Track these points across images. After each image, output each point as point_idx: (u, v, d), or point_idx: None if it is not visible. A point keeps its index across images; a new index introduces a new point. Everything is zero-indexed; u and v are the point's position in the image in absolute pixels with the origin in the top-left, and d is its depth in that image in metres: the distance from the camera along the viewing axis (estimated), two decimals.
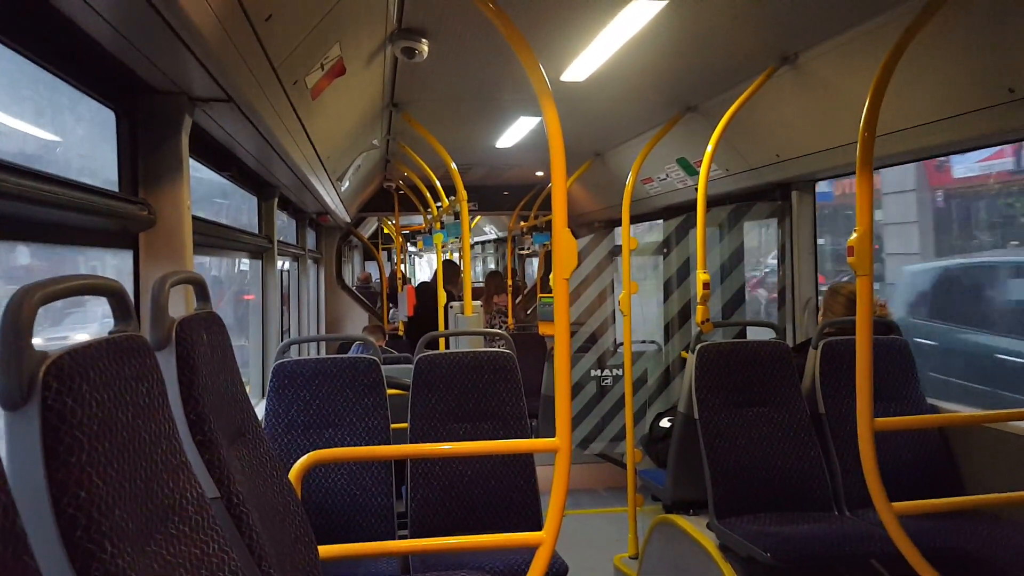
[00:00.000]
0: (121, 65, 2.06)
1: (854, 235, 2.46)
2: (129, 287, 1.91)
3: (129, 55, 1.99)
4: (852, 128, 2.48)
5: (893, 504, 2.43)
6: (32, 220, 1.80)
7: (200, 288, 1.85)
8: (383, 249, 12.47)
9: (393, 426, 3.27)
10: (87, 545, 1.03)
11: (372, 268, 14.84)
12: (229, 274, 5.68)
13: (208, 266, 4.78)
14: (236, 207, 4.79)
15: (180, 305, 2.32)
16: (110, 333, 1.32)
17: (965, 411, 3.50)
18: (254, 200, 4.73)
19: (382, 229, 12.40)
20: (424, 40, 3.13)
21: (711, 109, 4.29)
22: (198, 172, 3.25)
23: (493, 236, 15.12)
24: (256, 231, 4.67)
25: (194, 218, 2.53)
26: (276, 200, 4.75)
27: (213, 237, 3.35)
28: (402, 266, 11.67)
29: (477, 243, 16.60)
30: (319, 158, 3.97)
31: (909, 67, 2.54)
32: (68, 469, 1.03)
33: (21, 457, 1.01)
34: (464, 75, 3.88)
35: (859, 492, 3.18)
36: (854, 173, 2.50)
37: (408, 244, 13.65)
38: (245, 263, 5.18)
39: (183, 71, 2.12)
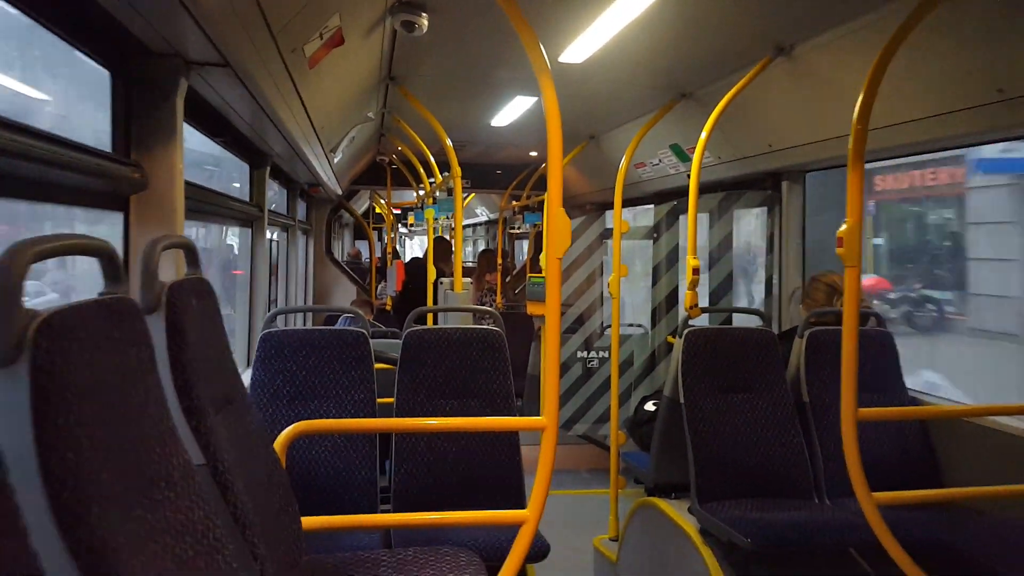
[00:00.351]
0: (119, 25, 2.03)
1: (843, 227, 2.47)
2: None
3: (127, 15, 1.96)
4: (845, 121, 2.48)
5: (874, 494, 2.46)
6: (20, 176, 1.78)
7: (191, 253, 1.84)
8: (374, 228, 12.45)
9: (379, 400, 3.27)
10: (74, 506, 1.03)
11: (362, 247, 14.84)
12: (214, 247, 5.66)
13: (196, 237, 4.75)
14: (225, 176, 4.76)
15: (170, 270, 2.30)
16: (100, 295, 1.31)
17: (947, 404, 3.53)
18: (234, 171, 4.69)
19: (373, 208, 12.36)
20: (424, 14, 3.11)
21: (706, 97, 4.28)
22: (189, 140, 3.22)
23: (484, 218, 15.09)
24: (247, 199, 4.64)
25: (186, 183, 2.51)
26: (268, 169, 4.72)
27: (204, 203, 3.33)
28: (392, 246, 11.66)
29: (468, 225, 16.58)
30: (313, 128, 3.94)
31: (903, 62, 2.54)
32: (57, 429, 1.03)
33: (9, 416, 1.01)
34: (462, 51, 3.86)
35: (840, 481, 3.21)
36: (845, 165, 2.51)
37: (399, 224, 13.63)
38: (232, 238, 5.15)
39: (180, 34, 2.09)
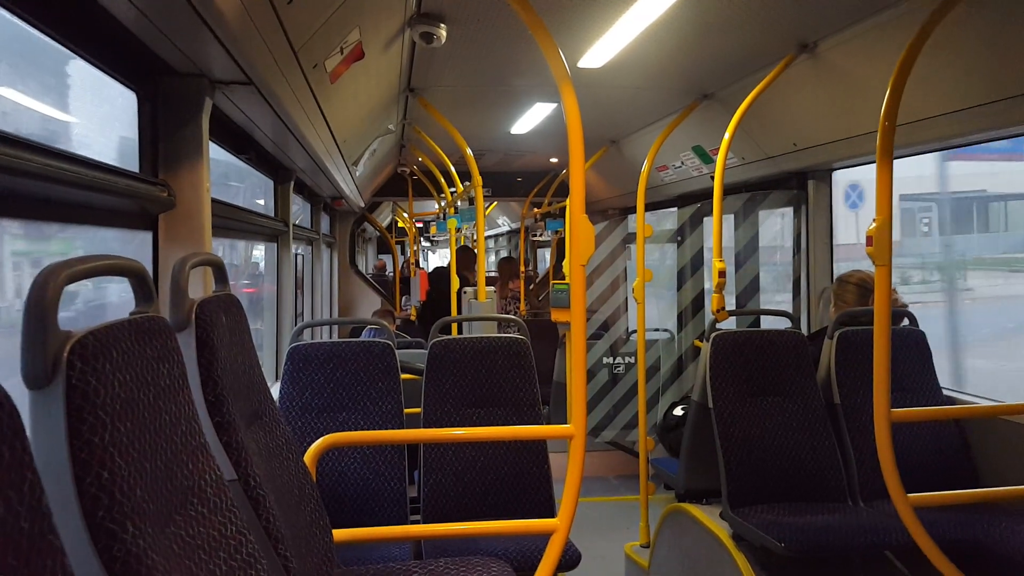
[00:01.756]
0: (144, 47, 2.06)
1: (873, 225, 2.44)
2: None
3: (152, 37, 1.99)
4: (871, 117, 2.45)
5: (909, 496, 2.42)
6: (53, 200, 1.81)
7: (219, 270, 1.86)
8: (397, 242, 12.55)
9: (406, 411, 3.28)
10: (109, 525, 1.03)
11: (387, 260, 14.99)
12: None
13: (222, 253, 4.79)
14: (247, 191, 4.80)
15: (199, 287, 2.32)
16: (131, 314, 1.33)
17: (982, 403, 3.47)
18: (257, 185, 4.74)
19: (396, 223, 12.45)
20: (442, 25, 3.12)
21: (728, 97, 4.26)
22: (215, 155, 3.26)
23: (506, 228, 15.12)
24: (272, 215, 4.68)
25: (212, 200, 2.53)
26: (292, 184, 4.75)
27: (231, 220, 3.36)
28: (416, 258, 11.74)
29: (490, 236, 16.61)
30: (335, 142, 3.97)
31: (930, 56, 2.51)
32: (91, 449, 1.04)
33: (45, 436, 1.02)
34: (481, 60, 3.87)
35: (874, 483, 3.17)
36: (873, 162, 2.48)
37: (421, 237, 13.73)
38: (257, 253, 5.19)
39: (205, 53, 2.12)
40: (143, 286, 1.35)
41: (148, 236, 2.38)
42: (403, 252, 12.98)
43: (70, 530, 1.01)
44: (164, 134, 2.36)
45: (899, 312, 3.65)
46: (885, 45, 3.02)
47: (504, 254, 15.90)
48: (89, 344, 1.07)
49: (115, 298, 2.72)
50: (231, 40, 1.95)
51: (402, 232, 12.51)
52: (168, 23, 1.88)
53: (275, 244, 4.79)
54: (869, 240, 2.45)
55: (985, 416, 3.28)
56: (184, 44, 2.04)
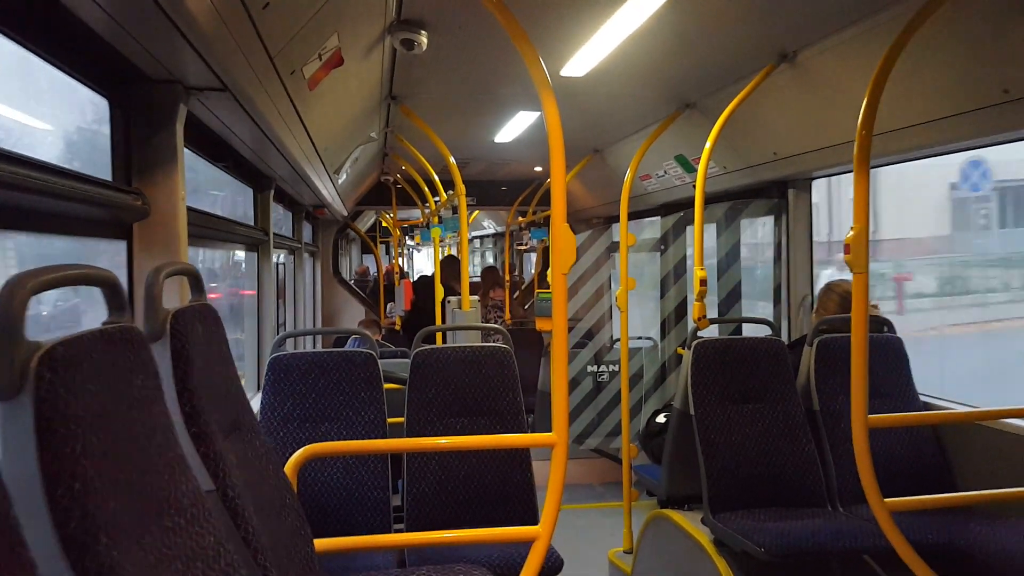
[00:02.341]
0: (115, 53, 2.04)
1: (850, 233, 2.46)
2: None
3: (123, 42, 1.97)
4: (850, 126, 2.48)
5: (886, 500, 2.44)
6: (24, 208, 1.79)
7: (195, 280, 1.84)
8: (381, 242, 12.46)
9: (389, 420, 3.27)
10: (81, 537, 1.02)
11: (369, 261, 14.83)
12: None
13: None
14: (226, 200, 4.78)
15: (174, 297, 2.31)
16: (104, 324, 1.31)
17: (958, 408, 3.50)
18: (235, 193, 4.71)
19: (380, 223, 12.37)
20: (423, 32, 3.12)
21: (710, 106, 4.28)
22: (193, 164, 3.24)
23: (492, 231, 15.12)
24: (252, 223, 4.66)
25: (189, 209, 2.51)
26: (272, 192, 4.73)
27: (208, 228, 3.34)
28: (400, 260, 11.65)
29: (475, 237, 16.60)
30: (316, 150, 3.96)
31: (906, 66, 2.54)
32: (62, 460, 1.02)
33: (14, 448, 1.01)
34: (463, 68, 3.87)
35: (852, 488, 3.19)
36: (851, 171, 2.50)
37: (406, 238, 13.66)
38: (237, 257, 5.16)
39: (178, 59, 2.10)
40: (116, 296, 1.33)
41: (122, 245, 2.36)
42: (387, 253, 12.86)
43: (41, 543, 1.00)
44: (137, 141, 2.34)
45: (877, 319, 3.68)
46: (863, 55, 3.05)
47: (489, 256, 15.91)
48: (59, 355, 1.06)
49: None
50: (205, 46, 1.94)
51: (386, 232, 12.42)
52: (139, 28, 1.86)
53: (255, 253, 4.77)
54: (847, 248, 2.47)
55: (961, 422, 3.31)
56: (156, 50, 2.03)
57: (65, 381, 1.06)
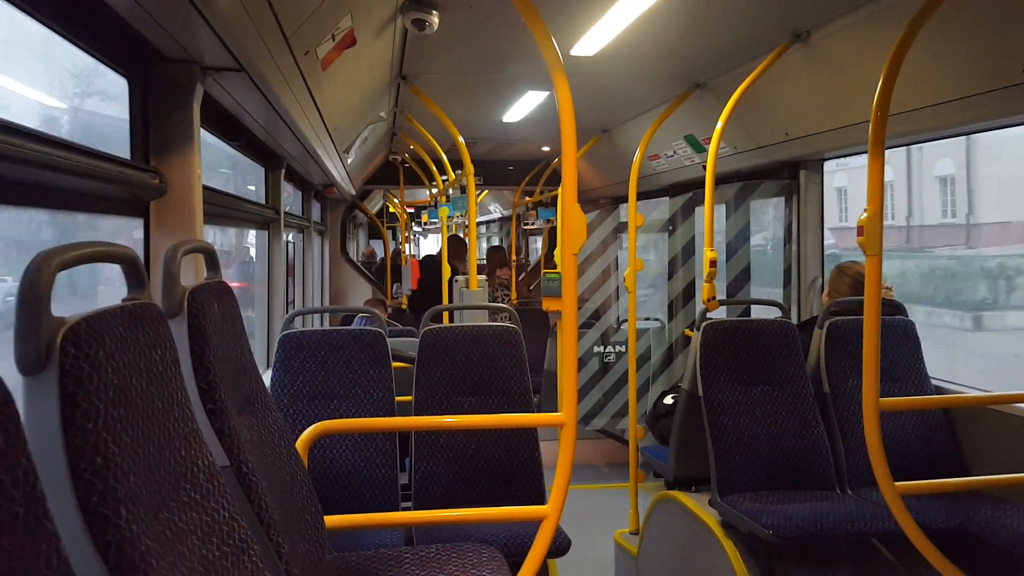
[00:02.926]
0: (135, 33, 2.05)
1: (864, 215, 2.46)
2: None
3: (143, 23, 1.98)
4: (863, 107, 2.46)
5: (896, 483, 2.45)
6: (44, 185, 1.80)
7: (211, 257, 1.86)
8: (388, 227, 12.50)
9: (397, 399, 3.29)
10: (103, 510, 1.04)
11: (376, 246, 14.90)
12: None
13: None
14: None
15: (190, 274, 2.32)
16: (123, 300, 1.33)
17: (969, 392, 3.50)
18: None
19: (387, 208, 12.40)
20: (434, 12, 3.11)
21: (721, 86, 4.26)
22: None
23: (498, 215, 15.10)
24: (263, 202, 4.67)
25: (204, 187, 2.52)
26: (283, 171, 4.74)
27: (222, 207, 3.35)
28: (406, 245, 11.69)
29: (482, 222, 16.59)
30: (327, 129, 3.96)
31: (922, 46, 2.51)
32: (85, 435, 1.04)
33: (39, 422, 1.02)
34: (473, 47, 3.86)
35: (862, 471, 3.20)
36: (865, 152, 2.49)
37: (412, 223, 13.70)
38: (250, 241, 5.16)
39: (196, 39, 2.11)
40: (135, 273, 1.35)
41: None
42: (394, 238, 12.92)
43: (64, 516, 1.01)
44: (155, 120, 2.35)
45: (889, 302, 3.67)
46: (878, 35, 3.02)
47: (495, 241, 15.89)
48: (82, 330, 1.07)
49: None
50: (222, 26, 1.94)
51: (393, 217, 12.46)
52: (159, 9, 1.87)
53: (266, 232, 4.78)
54: (860, 230, 2.47)
55: (972, 405, 3.31)
56: (175, 30, 2.03)
57: (89, 356, 1.07)
